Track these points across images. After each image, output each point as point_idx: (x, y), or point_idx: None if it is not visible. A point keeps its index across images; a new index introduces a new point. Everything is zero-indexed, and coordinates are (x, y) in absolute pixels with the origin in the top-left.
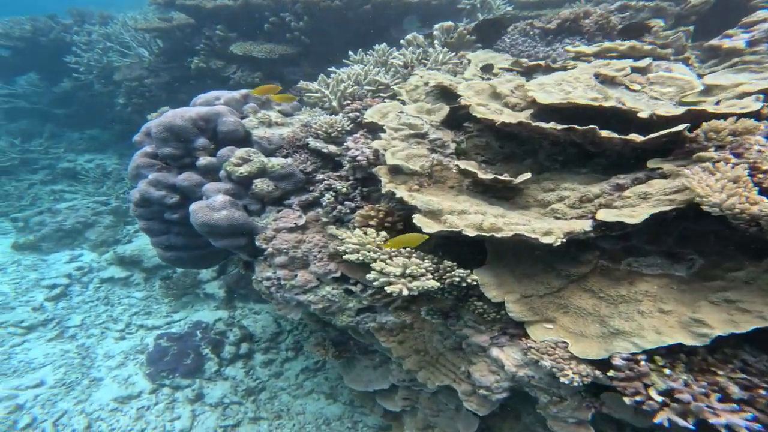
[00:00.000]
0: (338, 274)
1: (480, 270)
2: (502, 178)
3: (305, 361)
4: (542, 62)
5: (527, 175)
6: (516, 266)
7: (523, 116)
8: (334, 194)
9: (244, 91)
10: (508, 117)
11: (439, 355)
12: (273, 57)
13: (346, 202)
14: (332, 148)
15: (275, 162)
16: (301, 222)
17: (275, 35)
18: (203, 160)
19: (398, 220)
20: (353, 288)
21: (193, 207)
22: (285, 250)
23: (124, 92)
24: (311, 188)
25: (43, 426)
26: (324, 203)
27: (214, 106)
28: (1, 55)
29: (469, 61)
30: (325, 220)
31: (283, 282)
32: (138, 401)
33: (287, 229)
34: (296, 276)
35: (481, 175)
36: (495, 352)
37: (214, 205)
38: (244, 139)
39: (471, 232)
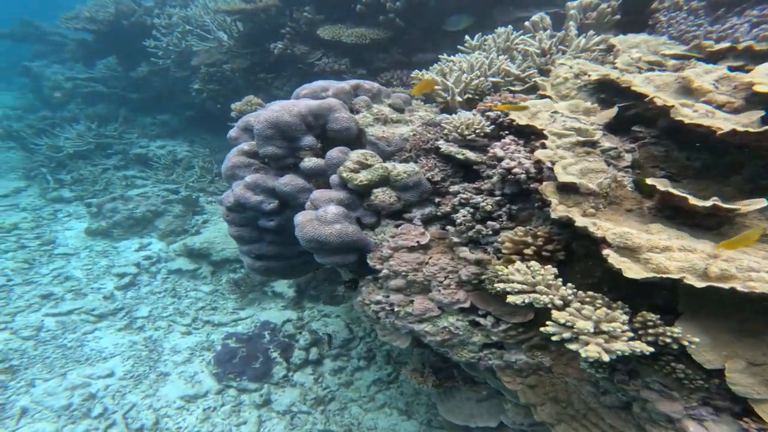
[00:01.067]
0: (467, 305)
1: (682, 322)
2: (724, 206)
3: (377, 371)
4: (738, 44)
5: (761, 202)
6: (726, 317)
7: (749, 120)
8: (471, 211)
9: (353, 82)
10: (731, 124)
11: (589, 410)
12: (364, 42)
13: (489, 222)
14: (470, 155)
15: (401, 169)
16: (425, 240)
17: (366, 18)
18: (309, 161)
19: (558, 249)
20: (482, 321)
21: (300, 219)
22: (403, 273)
23: (200, 78)
24: (437, 200)
25: (114, 417)
26: (458, 221)
27: (322, 98)
28: (85, 39)
29: (613, 48)
30: (456, 240)
31: (396, 308)
32: (204, 401)
33: (407, 248)
34: (413, 302)
35: (695, 201)
36: (692, 427)
37: (325, 218)
38: (356, 138)
39: (694, 282)
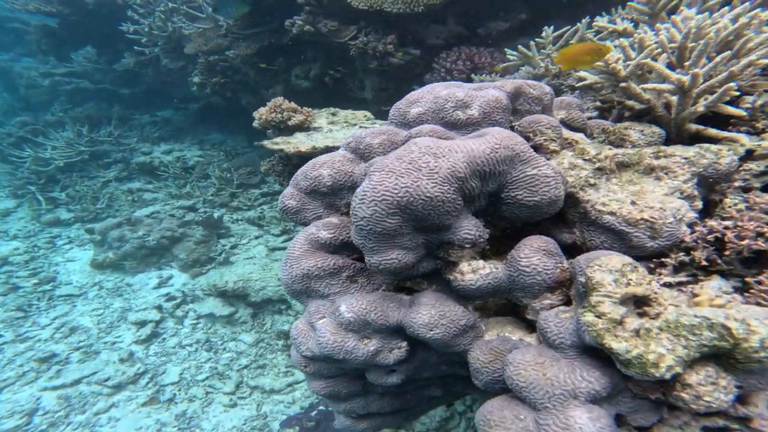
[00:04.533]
0: None
1: None
2: None
3: None
4: None
5: None
6: None
7: None
8: None
9: (508, 84)
10: None
11: None
12: (415, 10)
13: None
14: None
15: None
16: None
17: None
18: (473, 276)
19: None
20: None
21: (491, 410)
22: None
23: (200, 69)
24: None
25: None
26: None
27: (465, 123)
28: (49, 26)
29: None
30: None
31: None
32: None
33: None
34: None
35: None
36: None
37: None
38: (555, 211)
39: None
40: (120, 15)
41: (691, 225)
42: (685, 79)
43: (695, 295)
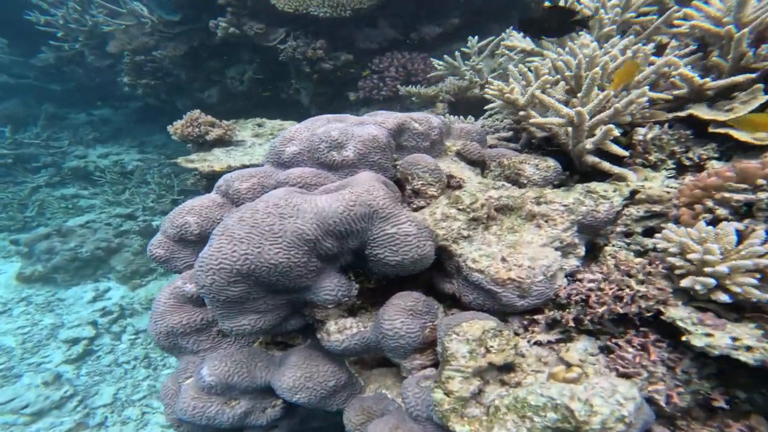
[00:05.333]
0: None
1: None
2: None
3: None
4: None
5: None
6: None
7: None
8: None
9: (391, 120)
10: None
11: None
12: (342, 15)
13: None
14: None
15: (607, 411)
16: None
17: None
18: (339, 336)
19: None
20: None
21: None
22: None
23: (127, 69)
24: None
25: None
26: None
27: (339, 166)
28: None
29: None
30: None
31: None
32: None
33: None
34: None
35: None
36: None
37: None
38: (424, 267)
39: None
40: (24, 2)
41: (572, 274)
42: (573, 114)
43: (561, 359)
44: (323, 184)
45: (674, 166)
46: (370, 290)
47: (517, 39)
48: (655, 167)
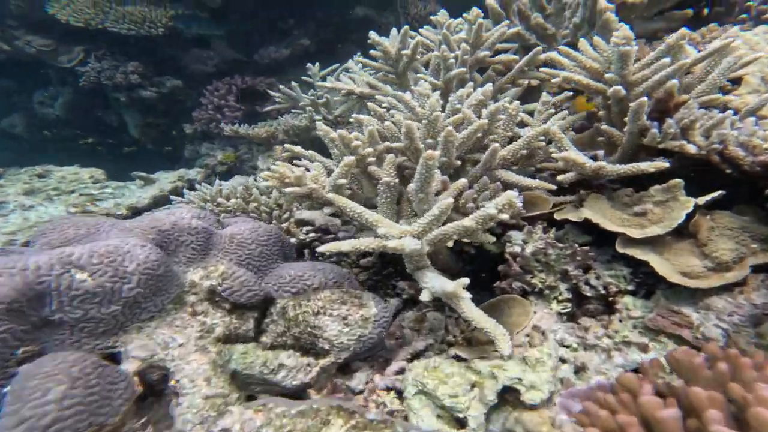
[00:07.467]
0: None
1: None
2: None
3: None
4: None
5: None
6: None
7: None
8: None
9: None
10: None
11: None
12: (152, 33)
13: None
14: None
15: None
16: None
17: None
18: None
19: None
20: None
21: None
22: None
23: None
24: None
25: None
26: None
27: None
28: None
29: None
30: None
31: None
32: None
33: None
34: None
35: None
36: None
37: None
38: None
39: None
40: None
41: None
42: (396, 245)
43: None
44: None
45: (569, 295)
46: None
47: (340, 82)
48: (541, 295)
